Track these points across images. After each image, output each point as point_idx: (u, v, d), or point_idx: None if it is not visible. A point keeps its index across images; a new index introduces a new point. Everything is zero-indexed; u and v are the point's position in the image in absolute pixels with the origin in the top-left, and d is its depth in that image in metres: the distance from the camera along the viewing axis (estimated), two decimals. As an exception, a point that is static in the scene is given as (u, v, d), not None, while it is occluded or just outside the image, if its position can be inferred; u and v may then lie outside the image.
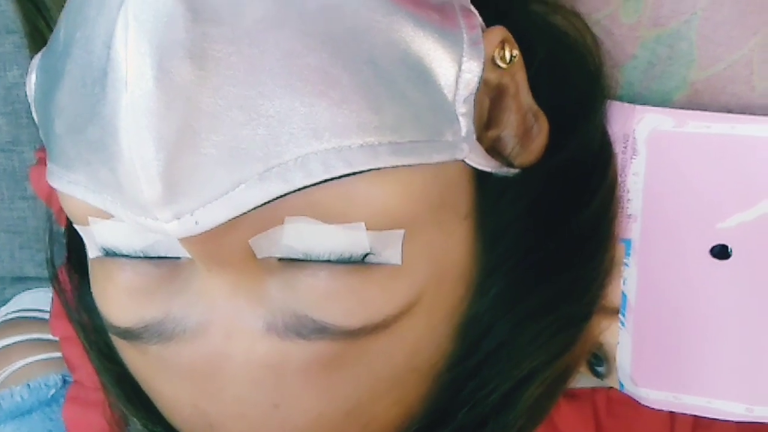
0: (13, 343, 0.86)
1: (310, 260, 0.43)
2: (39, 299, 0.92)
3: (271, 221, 0.42)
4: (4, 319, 0.91)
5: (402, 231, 0.43)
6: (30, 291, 0.95)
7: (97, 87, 0.40)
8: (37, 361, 0.84)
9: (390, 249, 0.43)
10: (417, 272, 0.45)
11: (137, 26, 0.38)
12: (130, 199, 0.40)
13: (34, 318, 0.90)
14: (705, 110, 0.54)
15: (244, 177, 0.40)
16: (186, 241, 0.41)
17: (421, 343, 0.46)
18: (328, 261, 0.43)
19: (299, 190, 0.41)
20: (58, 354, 0.77)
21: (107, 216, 0.43)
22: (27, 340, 0.86)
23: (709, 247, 0.55)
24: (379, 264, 0.43)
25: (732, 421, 0.56)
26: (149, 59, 0.38)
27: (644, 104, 0.55)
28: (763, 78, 0.54)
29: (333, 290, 0.43)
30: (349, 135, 0.41)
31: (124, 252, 0.45)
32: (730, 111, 0.54)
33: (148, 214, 0.40)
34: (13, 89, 0.91)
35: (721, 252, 0.55)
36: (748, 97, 0.54)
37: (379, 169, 0.42)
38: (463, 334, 0.48)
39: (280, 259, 0.43)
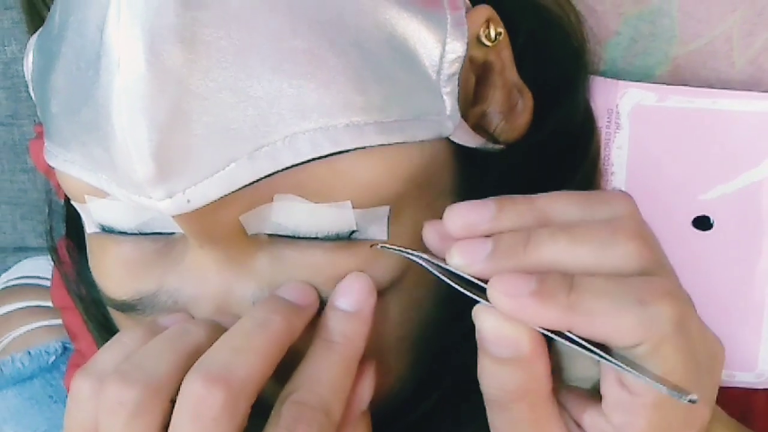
0: (14, 310, 0.87)
1: (299, 237, 0.44)
2: (40, 266, 0.93)
3: (261, 199, 0.43)
4: (5, 285, 0.92)
5: (387, 207, 0.44)
6: (31, 258, 0.96)
7: (90, 70, 0.41)
8: (37, 327, 0.85)
9: (375, 225, 0.44)
10: (402, 247, 0.46)
11: (129, 11, 0.39)
12: (124, 178, 0.41)
13: (36, 285, 0.90)
14: (686, 85, 0.55)
15: (234, 156, 0.41)
16: (179, 218, 0.42)
17: (407, 313, 0.47)
18: (316, 238, 0.44)
19: (287, 168, 0.42)
20: (59, 321, 0.77)
21: (103, 194, 0.44)
22: (28, 306, 0.87)
23: (692, 219, 0.56)
24: (365, 240, 0.44)
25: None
26: (141, 43, 0.39)
27: (627, 80, 0.56)
28: (742, 54, 0.55)
29: (320, 266, 0.44)
30: (336, 115, 0.42)
31: (120, 229, 0.46)
32: (710, 86, 0.55)
33: (141, 193, 0.41)
34: (12, 64, 0.91)
35: (703, 223, 0.56)
36: (728, 73, 0.55)
37: (365, 147, 0.43)
38: (449, 303, 0.48)
39: (270, 235, 0.44)
